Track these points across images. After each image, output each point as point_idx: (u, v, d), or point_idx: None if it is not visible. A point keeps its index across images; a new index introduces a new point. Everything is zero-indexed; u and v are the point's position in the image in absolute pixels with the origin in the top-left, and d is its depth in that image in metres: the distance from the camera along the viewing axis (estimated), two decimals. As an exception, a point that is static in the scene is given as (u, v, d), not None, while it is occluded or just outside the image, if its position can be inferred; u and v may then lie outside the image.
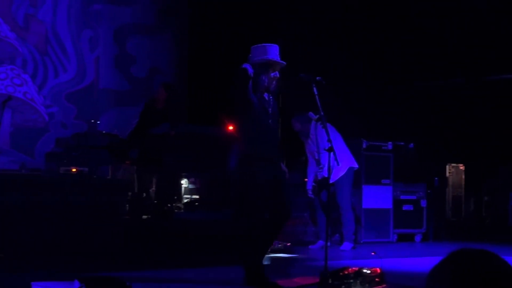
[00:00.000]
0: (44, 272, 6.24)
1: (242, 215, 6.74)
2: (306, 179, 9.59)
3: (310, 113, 6.51)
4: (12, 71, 11.31)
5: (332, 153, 6.31)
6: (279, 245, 9.07)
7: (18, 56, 11.44)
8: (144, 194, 9.82)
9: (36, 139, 11.46)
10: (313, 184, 9.34)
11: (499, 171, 12.16)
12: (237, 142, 6.69)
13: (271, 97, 6.33)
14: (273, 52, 6.23)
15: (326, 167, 8.75)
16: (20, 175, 8.75)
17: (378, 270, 6.11)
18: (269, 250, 8.73)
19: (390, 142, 10.70)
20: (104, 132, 10.27)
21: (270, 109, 6.31)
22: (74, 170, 8.92)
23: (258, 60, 6.19)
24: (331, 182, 9.09)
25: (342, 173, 9.20)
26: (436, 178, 11.62)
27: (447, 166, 12.53)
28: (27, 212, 7.96)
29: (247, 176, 6.23)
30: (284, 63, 6.24)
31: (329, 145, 6.37)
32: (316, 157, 9.12)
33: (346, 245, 9.28)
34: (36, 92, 11.51)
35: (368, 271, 6.03)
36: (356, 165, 9.45)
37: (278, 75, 6.22)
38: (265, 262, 8.11)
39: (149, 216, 9.72)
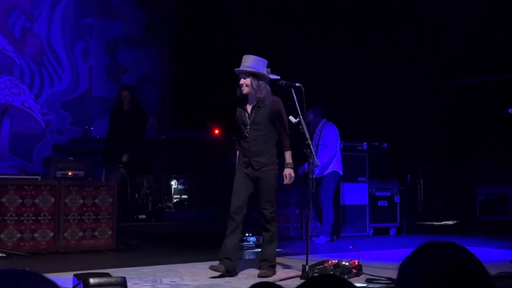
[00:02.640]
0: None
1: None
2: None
3: (290, 116, 6.52)
4: (10, 81, 11.30)
5: (312, 156, 6.40)
6: (252, 240, 9.12)
7: (15, 67, 11.42)
8: (137, 195, 9.84)
9: (34, 145, 11.44)
10: (305, 171, 9.37)
11: (465, 168, 12.25)
12: None
13: (259, 106, 6.37)
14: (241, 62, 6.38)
15: (321, 162, 8.93)
16: (19, 178, 8.73)
17: (356, 262, 6.18)
18: (255, 245, 8.84)
19: (365, 143, 10.79)
20: (97, 137, 10.27)
21: (248, 120, 6.41)
22: (70, 173, 8.91)
23: None
24: (325, 174, 9.32)
25: (324, 172, 9.36)
26: (408, 176, 11.71)
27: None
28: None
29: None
30: (235, 70, 6.34)
31: (308, 148, 6.44)
32: (315, 150, 9.19)
33: (322, 239, 9.36)
34: (33, 100, 11.49)
35: (347, 263, 6.11)
36: (341, 172, 9.60)
37: (241, 81, 6.29)
38: (251, 257, 8.18)
39: (142, 215, 9.72)
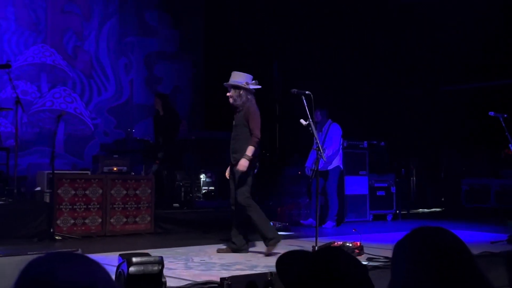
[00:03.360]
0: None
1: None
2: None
3: (301, 119, 6.52)
4: (65, 91, 11.38)
5: (319, 152, 6.41)
6: (279, 225, 9.11)
7: (69, 79, 11.50)
8: (171, 187, 9.87)
9: (84, 145, 11.51)
10: (312, 166, 9.36)
11: (452, 163, 12.20)
12: None
13: (238, 111, 6.60)
14: None
15: (327, 156, 8.93)
16: (72, 173, 8.81)
17: (358, 243, 6.19)
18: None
19: (366, 141, 10.78)
20: (138, 138, 10.32)
21: (234, 122, 6.66)
22: (115, 169, 8.97)
23: None
24: (330, 168, 9.33)
25: (329, 167, 9.35)
26: (402, 170, 11.69)
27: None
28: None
29: None
30: (224, 84, 6.68)
31: (317, 146, 6.46)
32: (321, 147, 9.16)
33: (329, 224, 9.39)
34: (83, 107, 11.57)
35: (350, 244, 6.12)
36: (342, 167, 9.63)
37: (227, 94, 6.60)
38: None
39: (176, 204, 9.76)
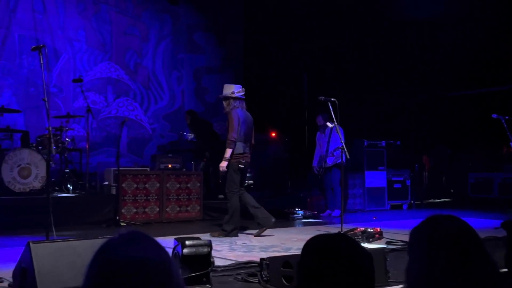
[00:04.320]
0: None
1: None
2: None
3: (328, 122, 6.51)
4: (127, 101, 11.53)
5: (344, 150, 6.35)
6: (309, 213, 9.07)
7: (130, 91, 11.64)
8: (217, 181, 9.91)
9: (144, 146, 11.63)
10: (318, 165, 9.22)
11: (460, 159, 11.97)
12: None
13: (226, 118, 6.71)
14: None
15: (336, 154, 8.79)
16: (134, 170, 8.92)
17: (378, 229, 6.11)
18: (302, 216, 8.79)
19: (383, 141, 10.66)
20: (188, 140, 10.40)
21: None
22: (170, 166, 9.04)
23: None
24: (329, 166, 9.04)
25: (332, 162, 9.06)
26: (416, 165, 11.52)
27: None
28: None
29: None
30: (218, 96, 6.92)
31: (342, 145, 6.41)
32: (325, 148, 9.03)
33: (336, 212, 9.03)
34: (143, 114, 11.70)
35: (371, 230, 6.04)
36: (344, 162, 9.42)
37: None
38: (300, 225, 8.15)
39: (221, 195, 9.80)
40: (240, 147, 6.50)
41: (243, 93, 6.68)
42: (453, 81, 11.98)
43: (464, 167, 11.70)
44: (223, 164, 6.43)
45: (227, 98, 6.60)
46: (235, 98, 6.58)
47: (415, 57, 11.88)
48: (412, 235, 1.61)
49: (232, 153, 6.43)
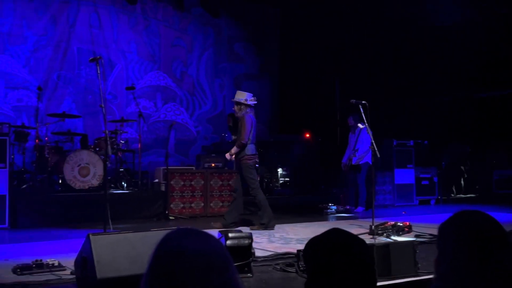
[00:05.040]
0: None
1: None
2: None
3: (360, 123, 6.42)
4: (174, 106, 11.66)
5: (372, 149, 6.26)
6: (341, 208, 8.99)
7: (177, 97, 11.77)
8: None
9: (190, 147, 11.73)
10: (346, 162, 9.10)
11: (486, 157, 11.65)
12: None
13: (239, 122, 6.79)
14: None
15: (358, 155, 8.69)
16: (181, 168, 9.01)
17: (407, 223, 6.01)
18: (335, 211, 8.71)
19: (412, 140, 10.48)
20: (229, 141, 10.43)
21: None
22: (213, 165, 9.11)
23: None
24: (361, 163, 8.91)
25: (360, 162, 8.93)
26: (443, 163, 11.28)
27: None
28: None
29: None
30: (231, 100, 6.97)
31: (370, 145, 6.31)
32: (353, 146, 8.93)
33: (360, 208, 8.92)
34: (188, 118, 11.82)
35: (401, 224, 5.95)
36: (371, 162, 9.24)
37: (233, 108, 6.86)
38: (333, 219, 8.08)
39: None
40: (253, 148, 6.69)
41: (255, 102, 6.81)
42: (477, 82, 11.66)
43: (489, 165, 11.39)
44: (228, 156, 6.74)
45: (240, 103, 6.71)
46: (246, 105, 6.70)
47: (439, 62, 11.63)
48: (440, 229, 1.58)
49: (244, 153, 6.60)
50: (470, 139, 11.89)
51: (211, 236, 1.25)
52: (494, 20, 10.60)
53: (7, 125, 7.58)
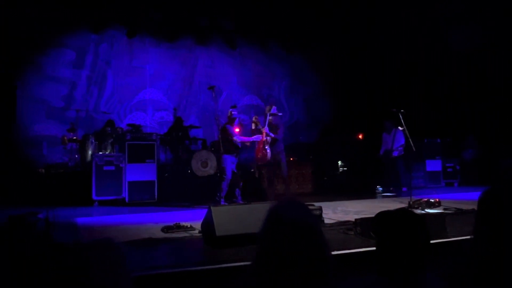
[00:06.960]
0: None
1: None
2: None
3: (399, 126, 6.18)
4: (262, 118, 11.72)
5: (409, 145, 5.99)
6: (387, 189, 8.62)
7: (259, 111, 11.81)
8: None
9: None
10: (383, 154, 8.77)
11: (502, 150, 10.60)
12: None
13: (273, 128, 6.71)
14: None
15: (399, 150, 8.31)
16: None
17: (438, 200, 5.71)
18: (382, 192, 8.37)
19: (438, 138, 9.87)
20: (301, 143, 10.30)
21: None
22: (291, 159, 8.99)
23: None
24: (394, 157, 8.51)
25: (397, 155, 8.52)
26: (463, 154, 10.48)
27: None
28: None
29: None
30: (266, 112, 6.85)
31: (406, 143, 6.04)
32: (390, 144, 8.59)
33: (404, 188, 8.48)
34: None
35: (432, 200, 5.67)
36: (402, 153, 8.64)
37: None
38: (380, 198, 7.73)
39: (325, 178, 9.65)
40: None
41: (281, 114, 6.83)
42: (494, 86, 10.64)
43: (504, 155, 10.35)
44: (264, 135, 6.56)
45: (274, 115, 6.71)
46: (273, 114, 6.69)
47: (463, 71, 10.76)
48: (482, 196, 1.49)
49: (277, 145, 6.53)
50: (482, 136, 10.91)
51: (307, 209, 1.25)
52: None
53: (155, 134, 8.14)
